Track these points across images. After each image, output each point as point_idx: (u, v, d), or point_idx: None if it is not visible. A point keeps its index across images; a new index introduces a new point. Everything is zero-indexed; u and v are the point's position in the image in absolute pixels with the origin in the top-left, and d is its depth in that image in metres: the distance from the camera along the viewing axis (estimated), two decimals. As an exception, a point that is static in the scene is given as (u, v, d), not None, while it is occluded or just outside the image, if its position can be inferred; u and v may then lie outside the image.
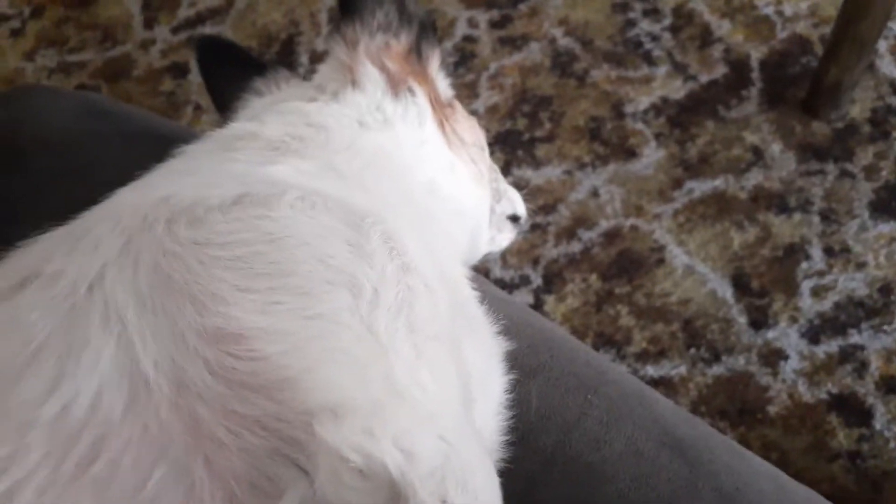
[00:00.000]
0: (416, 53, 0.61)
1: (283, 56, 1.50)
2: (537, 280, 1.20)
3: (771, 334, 1.10)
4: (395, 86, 0.57)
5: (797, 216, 1.20)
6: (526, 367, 0.53)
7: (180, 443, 0.30)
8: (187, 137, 0.55)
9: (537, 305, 1.18)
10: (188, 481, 0.30)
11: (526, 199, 0.77)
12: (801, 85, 1.30)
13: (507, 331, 0.51)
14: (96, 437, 0.30)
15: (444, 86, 0.65)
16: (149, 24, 1.60)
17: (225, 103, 0.63)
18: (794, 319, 1.11)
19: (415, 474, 0.29)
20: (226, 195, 0.38)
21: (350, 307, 0.34)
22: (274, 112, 0.54)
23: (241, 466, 0.30)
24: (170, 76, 1.52)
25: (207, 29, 1.57)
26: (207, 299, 0.33)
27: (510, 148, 1.34)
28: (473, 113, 1.35)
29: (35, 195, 0.64)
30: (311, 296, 0.34)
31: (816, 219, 1.19)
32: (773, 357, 1.09)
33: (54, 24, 1.63)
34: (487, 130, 1.36)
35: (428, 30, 0.62)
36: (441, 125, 0.60)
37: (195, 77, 1.50)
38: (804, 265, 1.15)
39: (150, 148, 0.52)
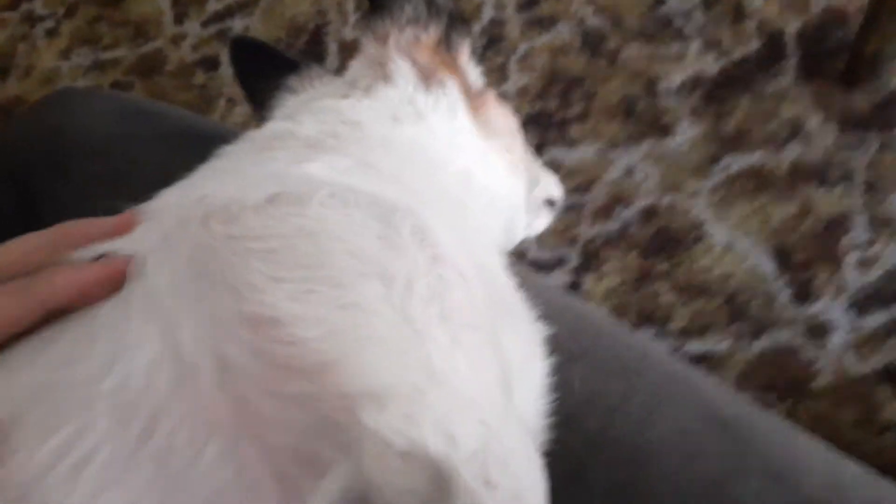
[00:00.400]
0: (446, 45, 0.61)
1: (312, 46, 1.51)
2: (575, 260, 1.20)
3: (815, 308, 1.09)
4: (427, 78, 0.58)
5: (839, 189, 1.17)
6: (568, 352, 0.54)
7: (228, 420, 0.32)
8: (224, 135, 0.56)
9: (576, 285, 1.18)
10: (239, 456, 0.31)
11: (560, 180, 0.77)
12: (840, 56, 1.27)
13: (548, 316, 0.51)
14: (152, 412, 0.32)
15: (475, 75, 0.65)
16: (179, 18, 1.62)
17: (260, 101, 0.64)
18: (839, 292, 1.10)
19: (457, 457, 0.30)
20: (261, 194, 0.39)
21: (383, 297, 0.35)
22: (308, 111, 0.55)
23: (286, 442, 0.31)
24: (201, 70, 1.54)
25: (236, 22, 1.59)
26: (243, 288, 0.34)
27: (542, 129, 1.33)
28: (504, 95, 1.35)
29: (81, 199, 0.65)
30: (343, 286, 0.35)
31: (859, 191, 1.16)
32: (818, 330, 1.08)
33: (87, 22, 1.66)
34: (519, 111, 1.36)
35: (457, 20, 0.62)
36: (473, 115, 0.60)
37: (226, 70, 1.52)
38: (847, 238, 1.13)
39: (189, 147, 0.53)
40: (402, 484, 0.30)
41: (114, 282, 0.36)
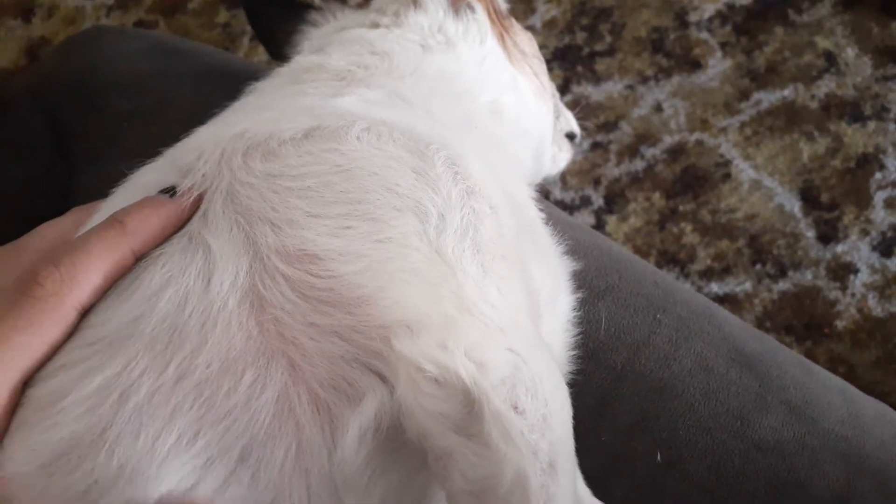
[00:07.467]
0: None
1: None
2: (599, 201, 1.20)
3: (840, 248, 1.08)
4: (455, 3, 0.58)
5: (872, 124, 1.15)
6: (595, 288, 0.54)
7: (263, 349, 0.33)
8: (253, 73, 0.56)
9: (599, 226, 1.17)
10: (277, 384, 0.33)
11: (586, 117, 0.76)
12: (880, -17, 1.23)
13: (575, 252, 0.52)
14: (191, 347, 0.33)
15: None
16: (200, -47, 1.59)
17: (278, 47, 0.64)
18: (865, 232, 1.08)
19: (487, 383, 0.31)
20: (297, 129, 0.39)
21: (418, 231, 0.36)
22: (337, 42, 0.55)
23: (322, 370, 0.33)
24: (224, 7, 1.52)
25: (258, -44, 1.56)
26: (283, 224, 0.36)
27: (569, 64, 1.31)
28: (531, 28, 1.32)
29: (112, 136, 0.66)
30: (380, 221, 0.36)
31: (893, 126, 1.14)
32: (842, 271, 1.07)
33: (108, -41, 1.64)
34: (545, 47, 1.33)
35: None
36: (501, 39, 0.60)
37: (249, 7, 1.50)
38: (878, 176, 1.11)
39: (219, 84, 0.54)
40: (434, 408, 0.31)
41: (184, 217, 0.37)
